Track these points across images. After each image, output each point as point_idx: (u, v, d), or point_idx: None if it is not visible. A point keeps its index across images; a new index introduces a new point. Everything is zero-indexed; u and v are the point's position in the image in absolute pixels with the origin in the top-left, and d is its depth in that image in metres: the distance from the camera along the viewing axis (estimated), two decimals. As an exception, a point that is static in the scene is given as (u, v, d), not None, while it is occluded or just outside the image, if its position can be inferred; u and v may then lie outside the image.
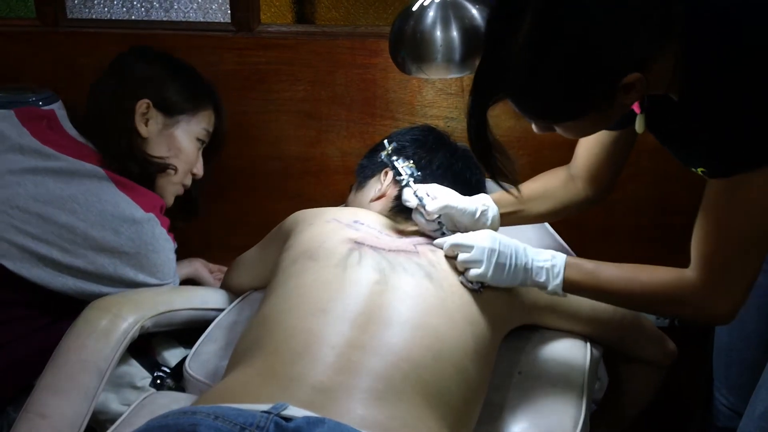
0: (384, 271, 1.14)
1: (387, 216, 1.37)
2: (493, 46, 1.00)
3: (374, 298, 1.10)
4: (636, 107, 1.14)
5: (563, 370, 1.26)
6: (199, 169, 1.61)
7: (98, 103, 1.55)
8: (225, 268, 1.71)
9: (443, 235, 1.26)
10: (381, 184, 1.42)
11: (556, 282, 1.15)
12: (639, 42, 0.95)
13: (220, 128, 1.64)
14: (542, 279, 1.16)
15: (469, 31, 1.24)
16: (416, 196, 1.26)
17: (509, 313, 1.24)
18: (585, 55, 0.94)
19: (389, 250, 1.20)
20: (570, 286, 1.16)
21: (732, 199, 1.02)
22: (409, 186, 1.28)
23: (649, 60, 0.97)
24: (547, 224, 1.63)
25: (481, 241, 1.16)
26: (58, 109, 1.64)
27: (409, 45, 1.27)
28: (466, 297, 1.15)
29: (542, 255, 1.17)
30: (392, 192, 1.41)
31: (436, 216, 1.25)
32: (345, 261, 1.16)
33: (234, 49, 1.81)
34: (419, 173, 1.30)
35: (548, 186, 1.38)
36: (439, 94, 1.79)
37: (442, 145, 1.46)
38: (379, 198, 1.41)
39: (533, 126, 1.09)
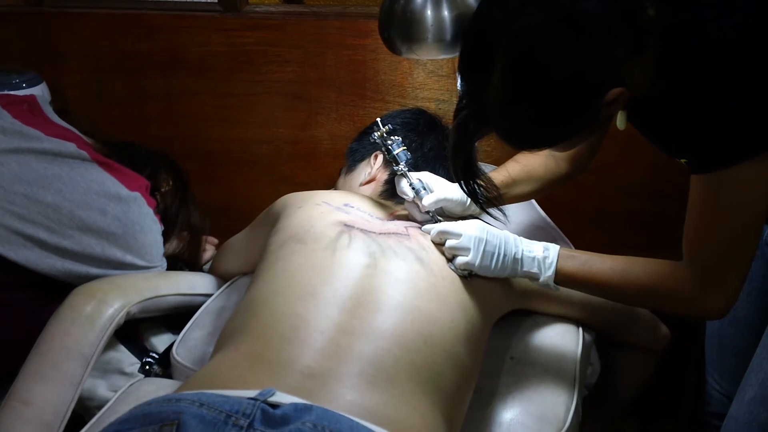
0: (374, 255, 1.13)
1: (377, 199, 1.35)
2: (471, 93, 1.02)
3: (364, 281, 1.08)
4: None
5: (555, 355, 1.25)
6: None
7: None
8: (213, 239, 1.69)
9: (436, 222, 1.24)
10: (371, 168, 1.41)
11: (547, 274, 1.14)
12: (614, 62, 0.95)
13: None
14: (534, 270, 1.15)
15: (460, 10, 1.22)
16: (412, 188, 1.25)
17: (501, 297, 1.23)
18: (562, 90, 0.95)
19: (380, 233, 1.18)
20: (562, 278, 1.15)
21: (715, 196, 1.01)
22: (406, 177, 1.26)
23: (625, 68, 0.96)
24: (539, 208, 1.61)
25: (469, 230, 1.15)
26: (40, 92, 1.62)
27: (399, 24, 1.25)
28: (457, 281, 1.14)
29: (535, 246, 1.16)
30: (382, 176, 1.39)
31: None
32: (334, 244, 1.14)
33: (221, 30, 1.78)
34: (410, 157, 1.28)
35: (530, 167, 1.37)
36: (430, 75, 1.77)
37: (434, 128, 1.44)
38: (369, 182, 1.40)
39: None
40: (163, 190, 1.54)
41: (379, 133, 1.30)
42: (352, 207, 1.26)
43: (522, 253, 1.15)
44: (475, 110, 1.02)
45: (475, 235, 1.14)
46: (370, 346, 1.00)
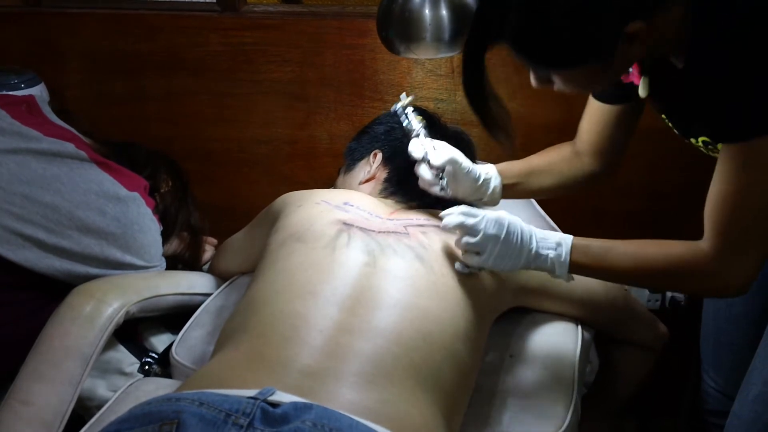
0: (373, 253, 1.13)
1: (377, 198, 1.35)
2: None
3: (363, 280, 1.08)
4: (636, 78, 1.13)
5: (554, 353, 1.25)
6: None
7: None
8: (212, 239, 1.70)
9: (446, 194, 1.25)
10: (370, 166, 1.41)
11: (562, 269, 1.11)
12: None
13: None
14: (548, 265, 1.12)
15: (458, 9, 1.22)
16: (423, 147, 1.25)
17: (501, 295, 1.23)
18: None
19: (379, 232, 1.18)
20: (578, 269, 1.12)
21: (750, 164, 0.98)
22: (418, 136, 1.26)
23: (654, 9, 0.94)
24: (538, 207, 1.61)
25: (488, 228, 1.11)
26: (39, 92, 1.61)
27: (397, 24, 1.25)
28: (457, 279, 1.13)
29: (549, 240, 1.12)
30: (381, 174, 1.39)
31: (440, 170, 1.24)
32: (333, 243, 1.14)
33: (219, 30, 1.78)
34: (427, 127, 1.28)
35: (552, 160, 1.36)
36: (428, 75, 1.77)
37: (433, 127, 1.44)
38: (368, 180, 1.40)
39: (531, 78, 1.05)
40: (162, 190, 1.55)
41: (400, 103, 1.30)
42: (352, 206, 1.26)
43: (537, 248, 1.12)
44: (493, 6, 0.98)
45: (493, 233, 1.11)
46: (370, 344, 1.00)
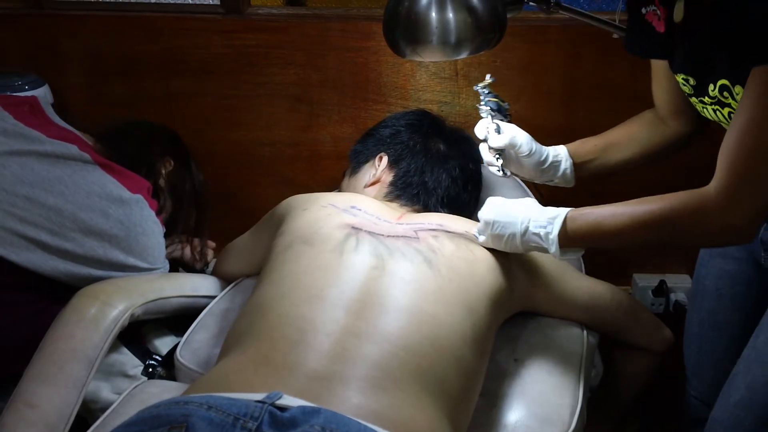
0: (381, 257, 1.12)
1: (382, 201, 1.35)
2: None
3: (370, 283, 1.08)
4: (660, 25, 1.14)
5: (560, 357, 1.25)
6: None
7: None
8: (211, 243, 1.71)
9: (504, 175, 1.30)
10: (375, 169, 1.41)
11: (552, 249, 1.11)
12: None
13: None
14: (542, 245, 1.12)
15: (464, 12, 1.21)
16: (486, 129, 1.30)
17: (507, 299, 1.22)
18: None
19: (388, 236, 1.18)
20: (578, 242, 1.11)
21: None
22: (486, 117, 1.31)
23: None
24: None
25: (483, 214, 1.17)
26: (42, 94, 1.61)
27: (403, 27, 1.24)
28: (464, 283, 1.13)
29: (541, 219, 1.12)
30: (387, 177, 1.39)
31: (498, 152, 1.28)
32: (341, 246, 1.14)
33: (223, 32, 1.78)
34: (496, 107, 1.32)
35: (632, 130, 1.32)
36: (432, 78, 1.77)
37: (438, 130, 1.44)
38: (373, 183, 1.40)
39: None
40: (164, 171, 1.56)
41: (482, 83, 1.34)
42: (359, 209, 1.25)
43: (529, 231, 1.13)
44: None
45: (485, 219, 1.17)
46: (376, 348, 1.00)
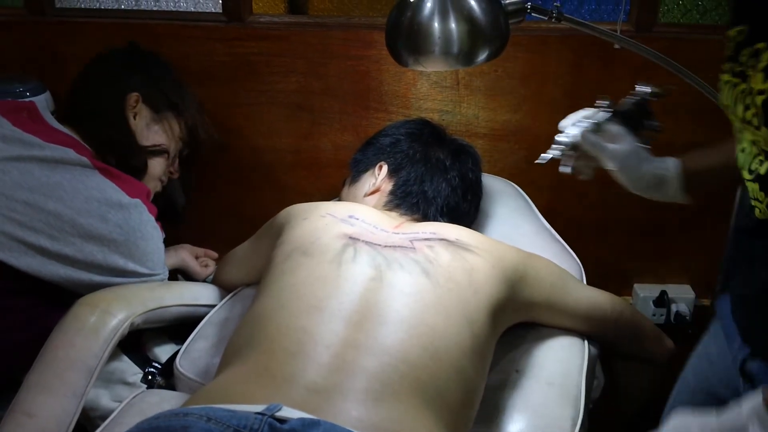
0: (379, 268, 1.12)
1: (382, 210, 1.35)
2: None
3: (369, 295, 1.08)
4: None
5: (561, 368, 1.24)
6: (175, 168, 1.66)
7: (87, 92, 1.55)
8: (213, 253, 1.71)
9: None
10: (375, 178, 1.40)
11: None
12: None
13: (201, 134, 1.67)
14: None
15: (467, 23, 1.21)
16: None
17: (506, 309, 1.22)
18: None
19: (385, 246, 1.18)
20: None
21: None
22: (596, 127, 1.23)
23: None
24: (542, 219, 1.60)
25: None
26: (42, 100, 1.62)
27: (406, 36, 1.24)
28: (463, 294, 1.13)
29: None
30: (387, 186, 1.39)
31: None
32: (340, 257, 1.13)
33: (225, 40, 1.78)
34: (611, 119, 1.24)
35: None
36: (433, 87, 1.77)
37: (439, 139, 1.44)
38: (373, 192, 1.39)
39: None
40: (134, 108, 1.55)
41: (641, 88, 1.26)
42: (357, 219, 1.25)
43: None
44: None
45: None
46: (376, 361, 0.99)
